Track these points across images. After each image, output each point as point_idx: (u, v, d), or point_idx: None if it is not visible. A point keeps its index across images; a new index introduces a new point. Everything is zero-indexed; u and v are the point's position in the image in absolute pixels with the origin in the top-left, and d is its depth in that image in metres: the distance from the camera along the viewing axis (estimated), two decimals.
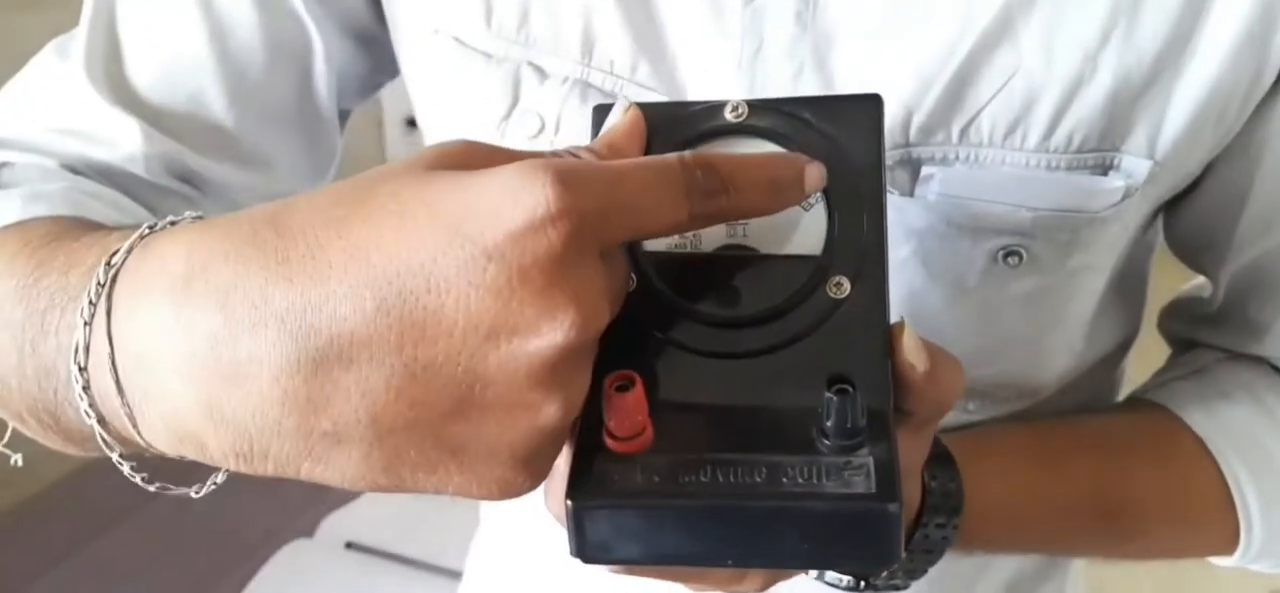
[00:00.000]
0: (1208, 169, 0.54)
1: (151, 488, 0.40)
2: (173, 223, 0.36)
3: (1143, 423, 0.60)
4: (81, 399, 0.35)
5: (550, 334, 0.31)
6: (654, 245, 0.38)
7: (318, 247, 0.31)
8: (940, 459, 0.49)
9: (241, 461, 0.33)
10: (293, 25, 0.56)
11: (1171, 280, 0.67)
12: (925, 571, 0.49)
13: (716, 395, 0.37)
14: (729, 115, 0.40)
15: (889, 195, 0.51)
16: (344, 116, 0.64)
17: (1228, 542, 0.58)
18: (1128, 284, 0.62)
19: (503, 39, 0.54)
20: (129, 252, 0.35)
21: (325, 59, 0.57)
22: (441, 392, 0.31)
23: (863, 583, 0.50)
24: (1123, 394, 0.67)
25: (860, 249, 0.38)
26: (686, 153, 0.34)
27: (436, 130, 0.59)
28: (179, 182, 0.56)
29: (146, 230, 0.36)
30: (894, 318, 0.55)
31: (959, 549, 0.51)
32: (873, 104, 0.40)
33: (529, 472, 0.33)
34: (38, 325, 0.38)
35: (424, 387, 0.31)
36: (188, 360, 0.32)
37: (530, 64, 0.53)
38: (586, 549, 0.35)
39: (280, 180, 0.60)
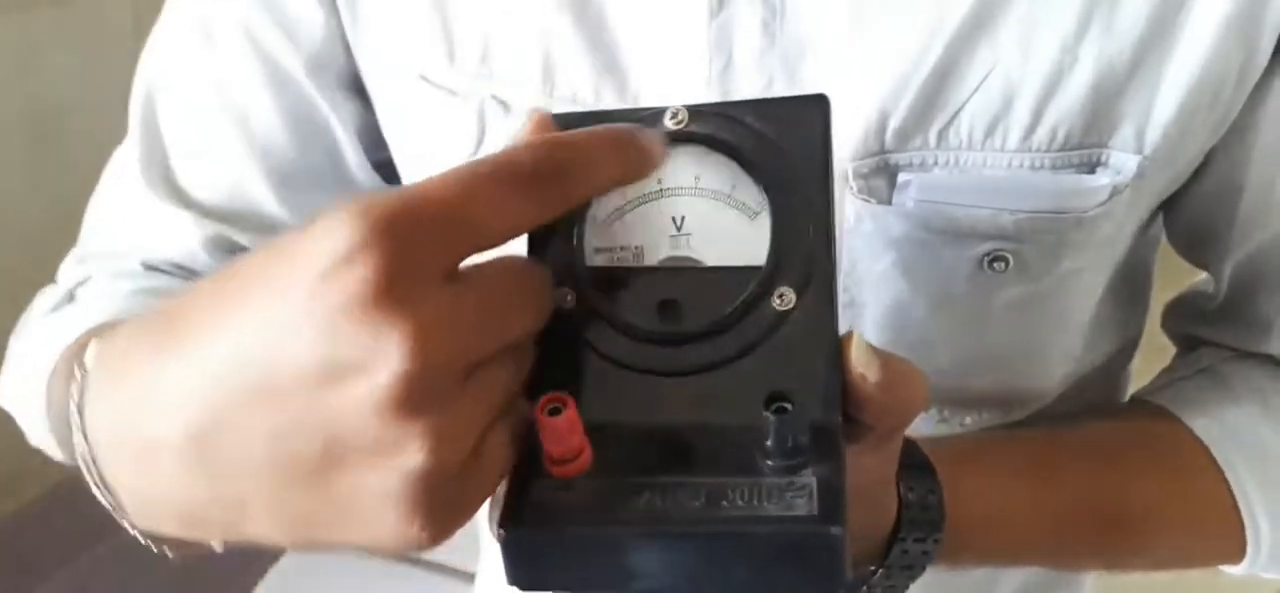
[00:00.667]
0: (1205, 160, 0.53)
1: (170, 555, 0.43)
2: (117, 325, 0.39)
3: (1144, 428, 0.58)
4: (96, 490, 0.38)
5: (383, 365, 0.29)
6: (594, 259, 0.37)
7: (191, 321, 0.33)
8: (918, 469, 0.47)
9: (192, 530, 0.35)
10: (304, 101, 0.58)
11: (1178, 279, 0.64)
12: (906, 587, 0.48)
13: (658, 414, 0.35)
14: (669, 123, 0.38)
15: (867, 204, 0.50)
16: (388, 165, 0.63)
17: (1235, 550, 0.56)
18: (1130, 284, 0.60)
19: (466, 74, 0.53)
20: (98, 354, 0.38)
21: (340, 125, 0.59)
22: (305, 446, 0.31)
23: None
24: (1130, 392, 0.65)
25: (806, 258, 0.36)
26: (518, 141, 0.34)
27: (409, 171, 0.60)
28: (236, 253, 0.60)
29: (107, 336, 0.39)
30: (881, 332, 0.52)
31: (945, 564, 0.49)
32: (818, 104, 0.38)
33: (423, 519, 0.31)
34: (66, 426, 0.40)
35: (289, 444, 0.31)
36: (120, 447, 0.35)
37: (494, 98, 0.53)
38: (520, 577, 0.34)
39: None
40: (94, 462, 0.37)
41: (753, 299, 0.36)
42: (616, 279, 0.37)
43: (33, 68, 1.83)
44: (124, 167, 0.62)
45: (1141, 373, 0.66)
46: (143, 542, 0.40)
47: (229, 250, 0.60)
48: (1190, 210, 0.56)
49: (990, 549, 0.54)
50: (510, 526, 0.33)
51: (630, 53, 0.51)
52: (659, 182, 0.38)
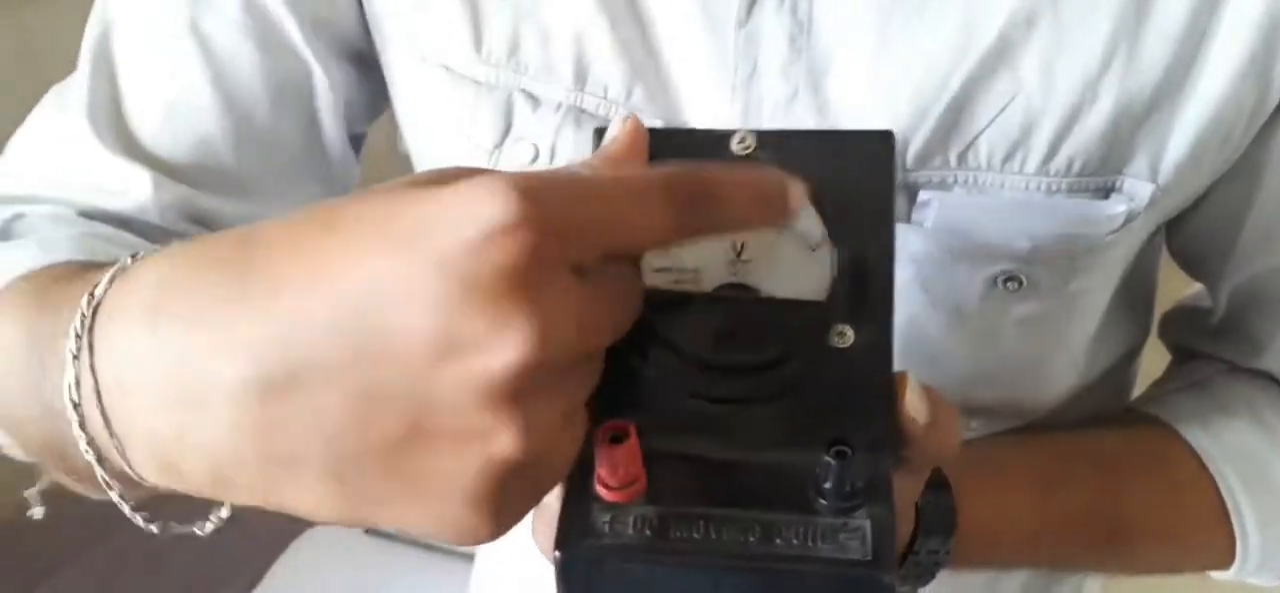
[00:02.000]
0: (1208, 189, 0.54)
1: (154, 528, 0.40)
2: (154, 251, 0.36)
3: (1139, 438, 0.60)
4: (79, 436, 0.35)
5: (501, 351, 0.28)
6: (652, 278, 0.37)
7: (276, 267, 0.30)
8: (934, 481, 0.48)
9: (216, 488, 0.33)
10: (293, 61, 0.56)
11: (1178, 285, 0.66)
12: (918, 590, 0.49)
13: (712, 443, 0.35)
14: (736, 148, 0.38)
15: None
16: (358, 140, 0.63)
17: (1225, 557, 0.58)
18: (1134, 293, 0.61)
19: (493, 66, 0.53)
20: (109, 283, 0.35)
21: (329, 89, 0.57)
22: (393, 416, 0.29)
23: None
24: (1138, 387, 0.67)
25: (865, 296, 0.36)
26: (671, 165, 0.33)
27: (427, 159, 0.59)
28: (194, 224, 0.55)
29: (128, 261, 0.36)
30: (897, 344, 0.53)
31: (952, 568, 0.50)
32: (884, 141, 0.38)
33: (487, 513, 0.31)
34: (40, 366, 0.38)
35: (376, 410, 0.29)
36: (158, 387, 0.32)
37: (522, 91, 0.53)
38: None
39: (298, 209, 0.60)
40: (98, 396, 0.34)
41: (811, 334, 0.36)
42: (676, 303, 0.37)
43: (32, 61, 1.82)
44: (61, 109, 0.56)
45: (1147, 373, 0.67)
46: (121, 504, 0.38)
47: (190, 216, 0.55)
48: (1192, 234, 0.57)
49: (995, 556, 0.56)
50: (567, 549, 0.33)
51: (663, 57, 0.52)
52: None
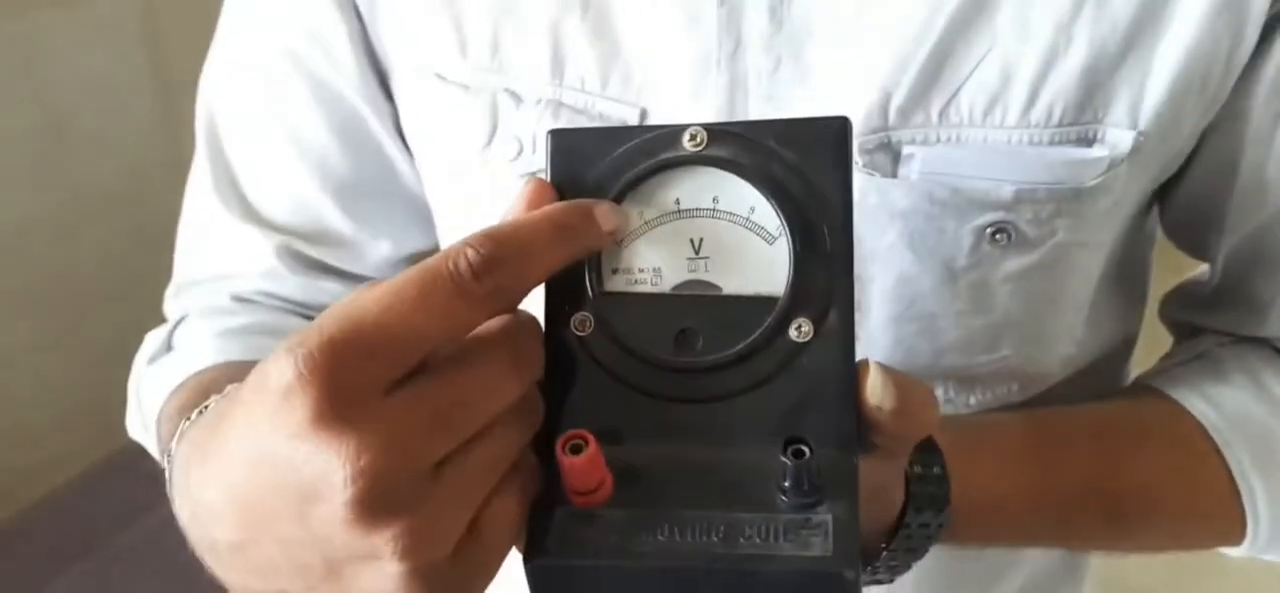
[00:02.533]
0: (1198, 143, 0.54)
1: None
2: (205, 408, 0.43)
3: (1144, 410, 0.59)
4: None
5: (337, 482, 0.31)
6: (612, 281, 0.37)
7: (213, 454, 0.35)
8: (924, 449, 0.47)
9: None
10: (351, 115, 0.62)
11: (1172, 278, 0.66)
12: (909, 566, 0.48)
13: (676, 443, 0.36)
14: (687, 144, 0.38)
15: (872, 178, 0.51)
16: None
17: (1235, 531, 0.57)
18: (1127, 276, 0.62)
19: (478, 69, 0.55)
20: (179, 438, 0.43)
21: (379, 119, 0.62)
22: (310, 558, 0.33)
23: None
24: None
25: (825, 289, 0.36)
26: (458, 242, 0.33)
27: (428, 164, 0.62)
28: (309, 272, 0.65)
29: (200, 411, 0.43)
30: (888, 305, 0.53)
31: (948, 543, 0.50)
32: (840, 127, 0.37)
33: None
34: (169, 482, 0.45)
35: (298, 557, 0.33)
36: (195, 535, 0.38)
37: (506, 90, 0.55)
38: None
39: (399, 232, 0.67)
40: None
41: (771, 330, 0.36)
42: (634, 305, 0.37)
43: (37, 69, 1.83)
44: (197, 189, 0.65)
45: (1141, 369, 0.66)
46: None
47: (303, 264, 0.64)
48: (1186, 196, 0.57)
49: (994, 529, 0.55)
50: (535, 557, 0.34)
51: (637, 40, 0.53)
52: (677, 203, 0.38)
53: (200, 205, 0.65)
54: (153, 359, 0.63)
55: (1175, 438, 0.57)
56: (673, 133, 0.38)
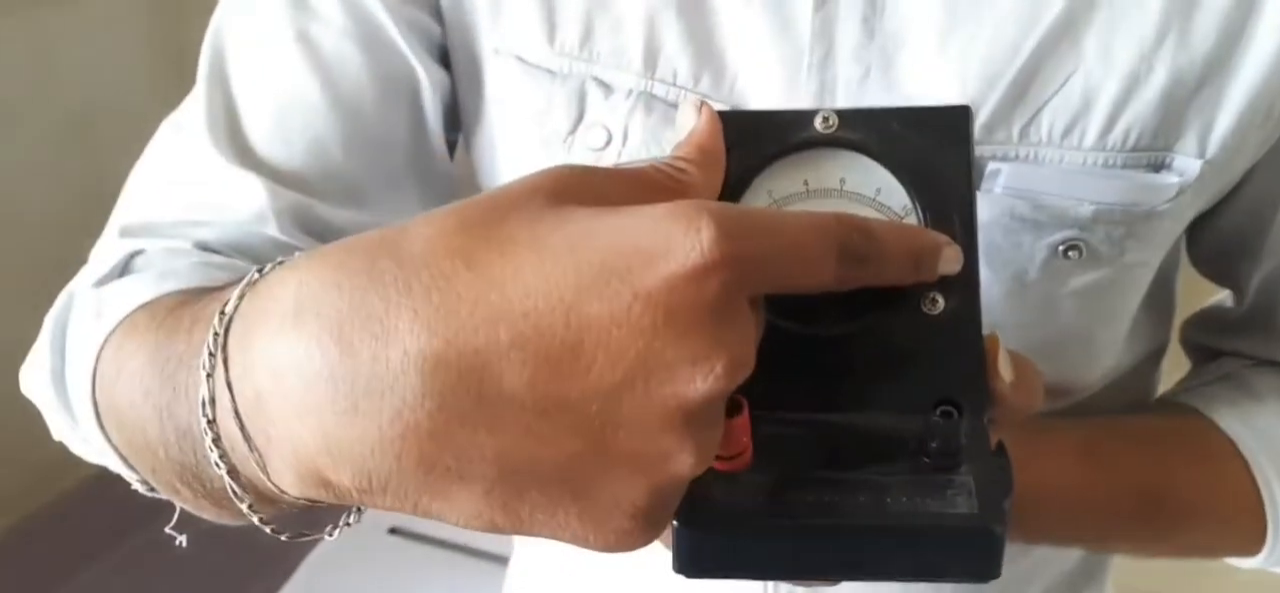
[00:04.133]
0: (1244, 176, 0.56)
1: (283, 536, 0.40)
2: (281, 263, 0.35)
3: (1179, 423, 0.62)
4: (211, 451, 0.35)
5: (692, 381, 0.29)
6: None
7: (443, 277, 0.30)
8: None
9: (362, 495, 0.32)
10: (397, 61, 0.57)
11: (1192, 303, 0.69)
12: None
13: (814, 412, 0.37)
14: (819, 125, 0.39)
15: None
16: (450, 148, 0.64)
17: (1255, 541, 0.60)
18: (1160, 293, 0.64)
19: (566, 56, 0.56)
20: (241, 297, 0.34)
21: (431, 88, 0.58)
22: (572, 432, 0.30)
23: None
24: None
25: None
26: (841, 213, 0.34)
27: (502, 150, 0.61)
28: (307, 234, 0.56)
29: (256, 275, 0.35)
30: None
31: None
32: (962, 115, 0.39)
33: (648, 525, 0.32)
34: (170, 389, 0.39)
35: (554, 426, 0.30)
36: (302, 396, 0.31)
37: (594, 79, 0.55)
38: (692, 567, 0.35)
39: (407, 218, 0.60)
40: (235, 410, 0.34)
41: (905, 303, 0.37)
42: None
43: (47, 67, 1.85)
44: (179, 130, 0.58)
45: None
46: (251, 517, 0.38)
47: (304, 225, 0.55)
48: (1223, 226, 0.60)
49: (1042, 526, 0.58)
50: (686, 520, 0.34)
51: (730, 40, 0.54)
52: (805, 183, 0.39)
53: (180, 143, 0.57)
54: (101, 282, 0.52)
55: (1209, 451, 0.60)
56: (804, 116, 0.39)
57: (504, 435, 0.30)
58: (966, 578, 0.34)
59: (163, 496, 0.46)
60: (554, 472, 0.30)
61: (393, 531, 1.64)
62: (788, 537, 0.34)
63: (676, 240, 0.29)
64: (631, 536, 0.32)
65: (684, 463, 0.31)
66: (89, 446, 0.51)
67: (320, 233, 0.56)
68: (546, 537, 0.32)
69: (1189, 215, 0.57)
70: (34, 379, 0.53)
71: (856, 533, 0.34)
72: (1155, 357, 0.67)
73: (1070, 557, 0.71)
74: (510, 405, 0.29)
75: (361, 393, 0.30)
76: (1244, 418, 0.60)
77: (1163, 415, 0.64)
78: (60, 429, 0.54)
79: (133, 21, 1.97)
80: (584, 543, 0.32)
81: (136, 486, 0.48)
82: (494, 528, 0.32)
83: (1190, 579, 1.82)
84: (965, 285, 0.37)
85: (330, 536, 0.41)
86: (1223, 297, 0.66)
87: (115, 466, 0.48)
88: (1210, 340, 0.67)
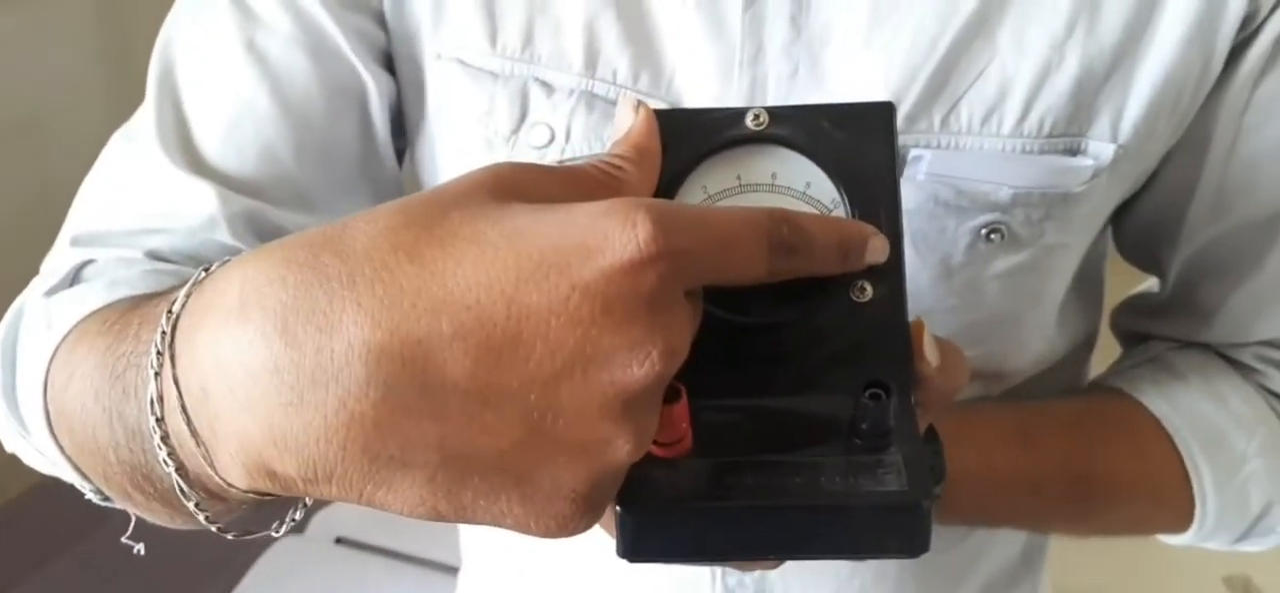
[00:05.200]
0: (1160, 163, 0.59)
1: (230, 535, 0.40)
2: (226, 261, 0.35)
3: (1106, 405, 0.64)
4: (160, 450, 0.35)
5: (628, 368, 0.31)
6: None
7: (386, 270, 0.31)
8: (925, 433, 0.51)
9: (309, 487, 0.32)
10: (345, 69, 0.59)
11: (1121, 293, 0.71)
12: None
13: (749, 399, 0.38)
14: (750, 123, 0.40)
15: None
16: (399, 154, 0.65)
17: (1185, 517, 0.63)
18: (1087, 284, 0.66)
19: (508, 58, 0.57)
20: (187, 295, 0.35)
21: (378, 94, 0.60)
22: (513, 420, 0.31)
23: None
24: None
25: None
26: (772, 207, 0.35)
27: (447, 150, 0.62)
28: (262, 240, 0.55)
29: (202, 274, 0.36)
30: None
31: (938, 520, 0.53)
32: (886, 111, 0.41)
33: (588, 510, 0.33)
34: (119, 390, 0.39)
35: (496, 414, 0.30)
36: (247, 388, 0.31)
37: (536, 79, 0.57)
38: (636, 552, 0.36)
39: None
40: (182, 407, 0.34)
41: (834, 291, 0.39)
42: None
43: (34, 52, 1.82)
44: (129, 140, 0.59)
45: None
46: (197, 515, 0.38)
47: (257, 231, 0.56)
48: (1144, 212, 0.62)
49: (978, 506, 0.60)
50: (630, 506, 0.35)
51: (667, 40, 0.56)
52: (738, 178, 0.40)
53: (131, 152, 0.58)
54: (51, 292, 0.53)
55: (1135, 429, 0.62)
56: (736, 114, 0.41)
57: (447, 424, 0.30)
58: (898, 553, 0.36)
59: (117, 505, 0.46)
60: (496, 459, 0.31)
61: (339, 541, 1.63)
62: (727, 519, 0.36)
63: (614, 235, 0.30)
64: (572, 521, 0.33)
65: (622, 449, 0.32)
66: (42, 457, 0.51)
67: (272, 237, 0.54)
68: (489, 524, 0.33)
69: (1108, 201, 0.59)
70: None
71: (793, 512, 0.35)
72: (1086, 346, 0.70)
73: (1010, 550, 0.73)
74: (453, 394, 0.30)
75: (307, 384, 0.30)
76: (1168, 397, 0.62)
77: (1091, 398, 0.67)
78: (12, 442, 0.54)
79: (79, 26, 1.94)
80: (526, 529, 0.33)
81: (90, 495, 0.48)
82: (438, 516, 0.33)
83: (1126, 579, 1.87)
84: (891, 274, 0.39)
85: (277, 534, 0.41)
86: (1150, 283, 0.68)
87: (69, 475, 0.48)
88: (1138, 325, 0.69)
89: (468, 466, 0.31)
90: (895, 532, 0.36)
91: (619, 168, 0.37)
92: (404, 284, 0.30)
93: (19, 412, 0.51)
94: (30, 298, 0.54)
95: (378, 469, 0.31)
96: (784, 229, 0.35)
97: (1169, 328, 0.67)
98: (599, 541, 0.55)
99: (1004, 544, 0.72)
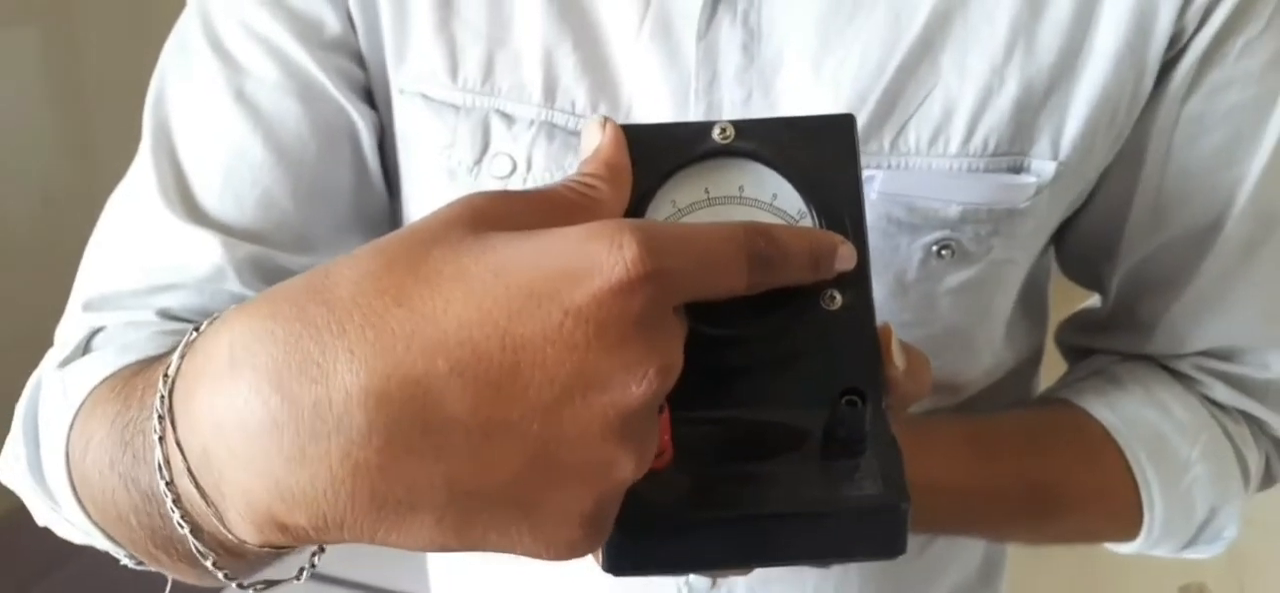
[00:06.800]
0: (1098, 182, 0.61)
1: (249, 589, 0.40)
2: (215, 319, 0.35)
3: (1056, 416, 0.66)
4: (174, 512, 0.35)
5: (627, 388, 0.31)
6: None
7: (375, 315, 0.30)
8: None
9: (320, 535, 0.32)
10: (332, 107, 0.60)
11: (1065, 313, 0.74)
12: None
13: (727, 410, 0.38)
14: (717, 137, 0.41)
15: None
16: (390, 187, 0.66)
17: (1134, 524, 0.64)
18: (1032, 300, 0.69)
19: (469, 91, 0.59)
20: (181, 357, 0.35)
21: (367, 131, 0.61)
22: (517, 452, 0.31)
23: None
24: None
25: None
26: (747, 222, 0.36)
27: (412, 181, 0.63)
28: (270, 285, 0.53)
29: (194, 334, 0.36)
30: None
31: None
32: (847, 123, 0.42)
33: (595, 532, 0.33)
34: (130, 456, 0.40)
35: (499, 447, 0.31)
36: (247, 448, 0.31)
37: (497, 111, 0.58)
38: (620, 567, 0.36)
39: None
40: (188, 469, 0.34)
41: (805, 301, 0.39)
42: None
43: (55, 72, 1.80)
44: (130, 199, 0.59)
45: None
46: (216, 573, 0.38)
47: (264, 275, 0.57)
48: (1085, 230, 0.65)
49: (935, 514, 0.61)
50: (617, 521, 0.35)
51: (623, 70, 0.58)
52: (706, 192, 0.41)
53: (133, 210, 0.59)
54: (65, 364, 0.54)
55: (1084, 438, 0.64)
56: (702, 128, 0.41)
57: (451, 462, 0.31)
58: (877, 555, 0.37)
59: (151, 569, 0.46)
60: (502, 492, 0.31)
61: (314, 575, 1.60)
62: (711, 530, 0.36)
63: (601, 258, 0.31)
64: (581, 544, 0.33)
65: (626, 468, 0.32)
66: (73, 527, 0.52)
67: (280, 280, 0.56)
68: (501, 552, 0.33)
69: (1052, 216, 0.61)
70: (12, 470, 0.55)
71: (775, 521, 0.36)
72: (1033, 361, 0.72)
73: (969, 566, 0.74)
74: (455, 432, 0.30)
75: (308, 437, 0.30)
76: (1113, 406, 0.64)
77: (1041, 410, 0.69)
78: (44, 515, 0.55)
79: (24, 62, 1.92)
80: (536, 555, 0.33)
81: (125, 561, 0.49)
82: (449, 550, 0.33)
83: (1082, 591, 1.89)
84: (859, 281, 0.40)
85: (298, 580, 0.42)
86: (1094, 301, 0.70)
87: (102, 543, 0.48)
88: (1082, 340, 0.71)
89: (475, 501, 0.31)
90: (874, 535, 0.37)
91: (591, 186, 0.37)
92: (395, 328, 0.30)
93: (46, 485, 0.52)
94: (46, 371, 0.55)
95: (387, 514, 0.31)
96: (761, 242, 0.36)
97: (1111, 342, 0.69)
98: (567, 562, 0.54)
99: (963, 560, 0.74)
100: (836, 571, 0.66)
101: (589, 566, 0.73)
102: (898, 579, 0.69)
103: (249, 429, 0.31)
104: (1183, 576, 2.12)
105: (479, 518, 0.32)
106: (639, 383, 0.31)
